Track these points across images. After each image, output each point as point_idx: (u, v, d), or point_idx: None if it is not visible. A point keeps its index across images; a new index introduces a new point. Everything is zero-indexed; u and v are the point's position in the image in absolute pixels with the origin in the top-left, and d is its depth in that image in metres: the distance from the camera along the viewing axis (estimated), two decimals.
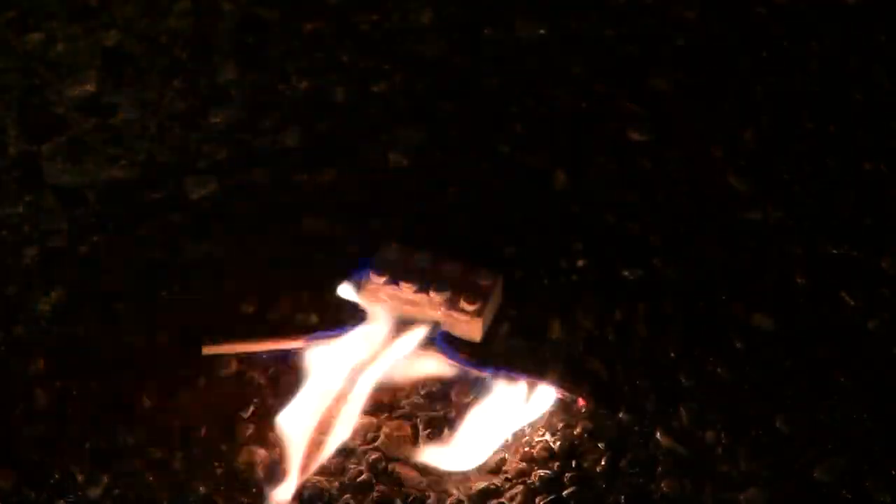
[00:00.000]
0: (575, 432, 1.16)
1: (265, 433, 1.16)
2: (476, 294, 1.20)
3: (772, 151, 1.36)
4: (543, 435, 1.15)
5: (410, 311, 1.20)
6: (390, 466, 1.14)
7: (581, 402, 1.16)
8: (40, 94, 1.40)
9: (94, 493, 1.12)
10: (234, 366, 1.20)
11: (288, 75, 1.42)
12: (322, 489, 1.13)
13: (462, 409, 1.16)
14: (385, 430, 1.16)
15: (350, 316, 1.21)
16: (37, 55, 1.43)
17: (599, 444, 1.15)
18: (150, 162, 1.35)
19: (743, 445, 1.15)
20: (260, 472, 1.14)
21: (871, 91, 1.41)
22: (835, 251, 1.28)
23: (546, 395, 1.16)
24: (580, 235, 1.29)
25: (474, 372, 1.18)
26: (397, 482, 1.13)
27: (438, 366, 1.18)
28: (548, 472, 1.13)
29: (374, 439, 1.16)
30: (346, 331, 1.20)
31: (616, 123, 1.38)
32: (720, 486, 1.13)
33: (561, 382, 1.16)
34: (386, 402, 1.17)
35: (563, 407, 1.16)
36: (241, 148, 1.36)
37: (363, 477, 1.14)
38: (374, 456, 1.15)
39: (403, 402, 1.18)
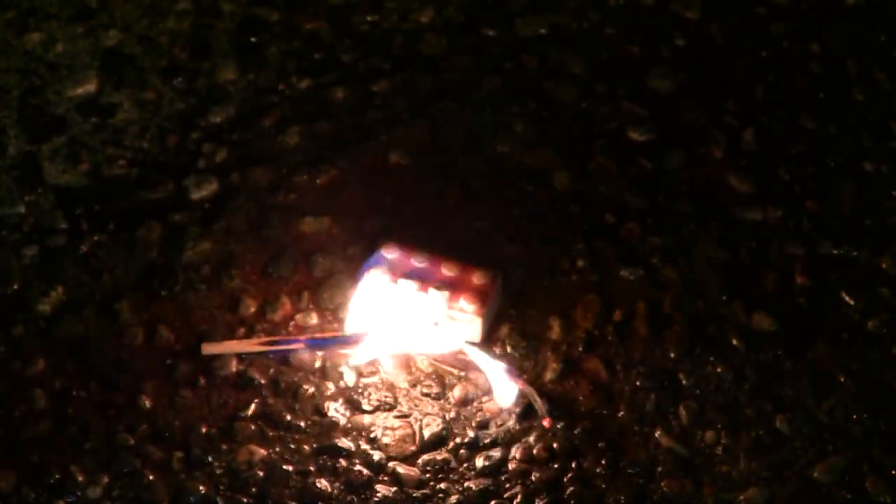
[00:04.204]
0: (575, 432, 1.16)
1: (265, 433, 1.16)
2: (476, 294, 1.20)
3: (772, 151, 1.36)
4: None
5: (409, 311, 1.20)
6: (390, 466, 1.14)
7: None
8: (40, 94, 1.40)
9: (94, 492, 1.12)
10: (234, 366, 1.20)
11: (288, 75, 1.42)
12: (322, 489, 1.13)
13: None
14: (385, 430, 1.16)
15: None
16: (37, 55, 1.43)
17: (599, 444, 1.15)
18: (150, 162, 1.35)
19: (743, 445, 1.15)
20: (260, 472, 1.14)
21: (871, 91, 1.41)
22: (835, 251, 1.28)
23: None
24: (580, 235, 1.29)
25: (473, 370, 1.18)
26: (397, 482, 1.13)
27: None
28: (548, 472, 1.14)
29: (374, 439, 1.16)
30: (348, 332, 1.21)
31: (616, 123, 1.38)
32: (720, 486, 1.13)
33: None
34: (386, 402, 1.18)
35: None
36: (241, 148, 1.36)
37: (363, 477, 1.14)
38: (374, 456, 1.15)
39: (403, 402, 1.18)
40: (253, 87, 1.41)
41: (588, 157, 1.35)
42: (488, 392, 1.17)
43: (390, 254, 1.22)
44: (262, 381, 1.19)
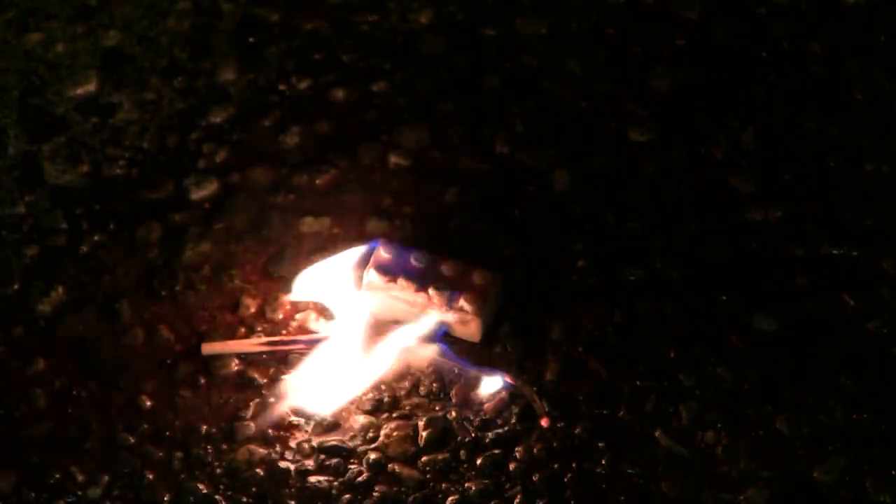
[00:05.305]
0: (575, 432, 1.16)
1: (265, 433, 1.16)
2: (475, 294, 1.20)
3: (772, 151, 1.36)
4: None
5: (409, 311, 1.20)
6: (390, 466, 1.14)
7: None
8: (40, 94, 1.40)
9: (94, 493, 1.12)
10: (234, 366, 1.20)
11: (288, 75, 1.42)
12: (322, 489, 1.13)
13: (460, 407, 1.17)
14: (385, 430, 1.16)
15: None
16: (37, 55, 1.43)
17: (599, 444, 1.15)
18: (150, 162, 1.35)
19: (743, 445, 1.15)
20: (260, 472, 1.14)
21: (871, 91, 1.40)
22: (835, 251, 1.28)
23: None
24: (580, 235, 1.29)
25: (472, 371, 1.18)
26: (397, 482, 1.13)
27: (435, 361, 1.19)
28: (548, 472, 1.13)
29: (374, 439, 1.16)
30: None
31: (616, 123, 1.38)
32: (720, 486, 1.13)
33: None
34: (386, 402, 1.18)
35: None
36: (241, 148, 1.36)
37: (363, 477, 1.14)
38: (374, 456, 1.15)
39: (403, 402, 1.18)
40: (253, 87, 1.41)
41: (588, 157, 1.35)
42: (489, 392, 1.17)
43: (389, 253, 1.22)
44: (262, 381, 1.19)
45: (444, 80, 1.41)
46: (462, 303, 1.19)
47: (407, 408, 1.18)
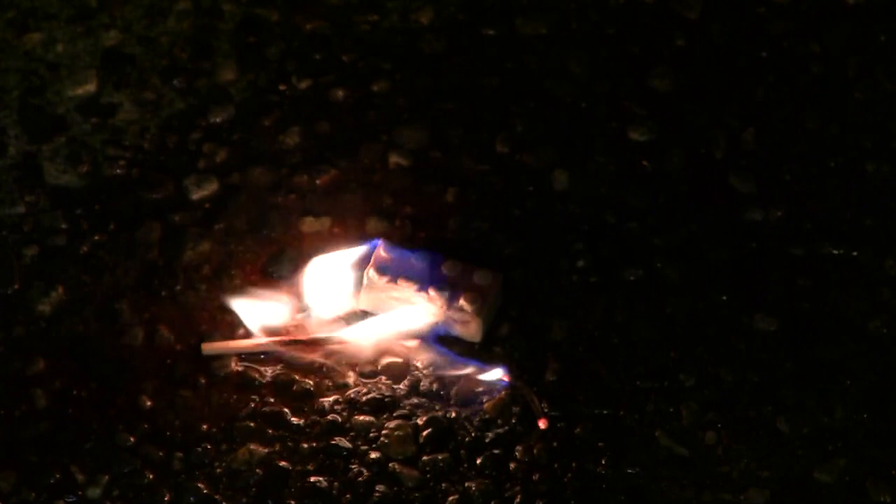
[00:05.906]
0: (575, 432, 1.16)
1: (265, 433, 1.16)
2: (476, 294, 1.20)
3: (772, 151, 1.36)
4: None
5: (409, 311, 1.20)
6: (390, 466, 1.14)
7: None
8: (40, 94, 1.40)
9: (94, 493, 1.12)
10: (234, 366, 1.20)
11: (288, 75, 1.42)
12: (322, 489, 1.13)
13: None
14: (385, 430, 1.16)
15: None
16: (37, 55, 1.43)
17: (599, 444, 1.15)
18: (150, 162, 1.35)
19: (743, 445, 1.15)
20: (260, 472, 1.14)
21: (871, 91, 1.40)
22: (835, 251, 1.28)
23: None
24: (580, 235, 1.29)
25: (471, 370, 1.18)
26: (397, 482, 1.13)
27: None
28: (548, 472, 1.13)
29: (374, 439, 1.16)
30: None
31: (616, 123, 1.38)
32: (720, 486, 1.13)
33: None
34: (386, 402, 1.18)
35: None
36: (241, 148, 1.36)
37: (363, 477, 1.13)
38: (374, 456, 1.15)
39: (403, 402, 1.18)
40: (253, 87, 1.41)
41: (588, 157, 1.35)
42: (489, 392, 1.17)
43: (389, 253, 1.22)
44: (262, 381, 1.19)
45: (444, 80, 1.41)
46: (462, 303, 1.19)
47: (407, 408, 1.18)
